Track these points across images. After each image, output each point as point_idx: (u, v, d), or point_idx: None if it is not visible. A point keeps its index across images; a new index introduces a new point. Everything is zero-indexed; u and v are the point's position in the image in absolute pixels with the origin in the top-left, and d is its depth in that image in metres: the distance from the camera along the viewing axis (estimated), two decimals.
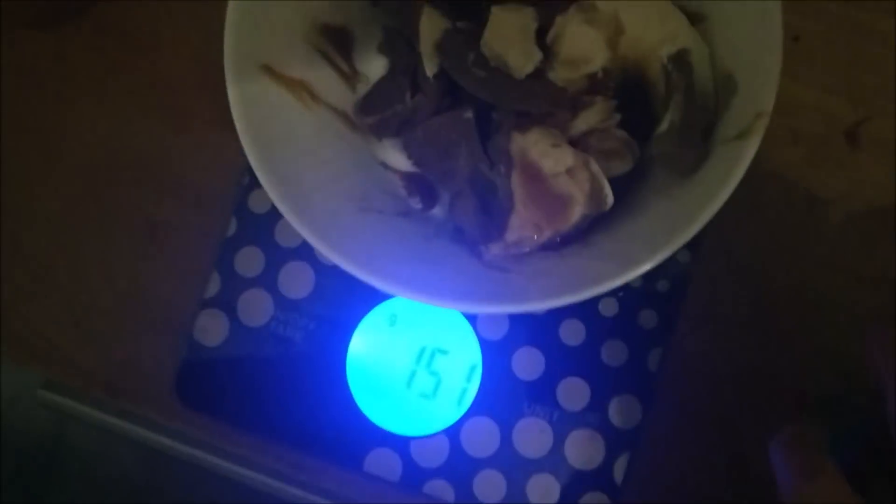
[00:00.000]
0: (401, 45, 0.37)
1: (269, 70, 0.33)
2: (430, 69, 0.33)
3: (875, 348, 0.29)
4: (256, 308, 0.39)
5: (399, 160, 0.37)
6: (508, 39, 0.32)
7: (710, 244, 0.38)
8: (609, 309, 0.38)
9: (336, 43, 0.36)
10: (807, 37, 0.40)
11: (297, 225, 0.31)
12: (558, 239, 0.33)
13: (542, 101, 0.32)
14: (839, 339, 0.38)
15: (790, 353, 0.38)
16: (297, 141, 0.34)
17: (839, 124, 0.40)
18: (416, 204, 0.37)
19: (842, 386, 0.38)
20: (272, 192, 0.31)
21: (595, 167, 0.32)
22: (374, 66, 0.38)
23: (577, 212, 0.32)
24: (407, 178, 0.37)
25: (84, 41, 0.43)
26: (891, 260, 0.38)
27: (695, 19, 0.33)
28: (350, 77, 0.37)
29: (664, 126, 0.31)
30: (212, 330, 0.39)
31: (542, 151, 0.32)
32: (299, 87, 0.34)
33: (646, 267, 0.29)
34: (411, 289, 0.30)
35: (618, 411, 0.37)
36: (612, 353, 0.38)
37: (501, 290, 0.31)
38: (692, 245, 0.30)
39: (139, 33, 0.43)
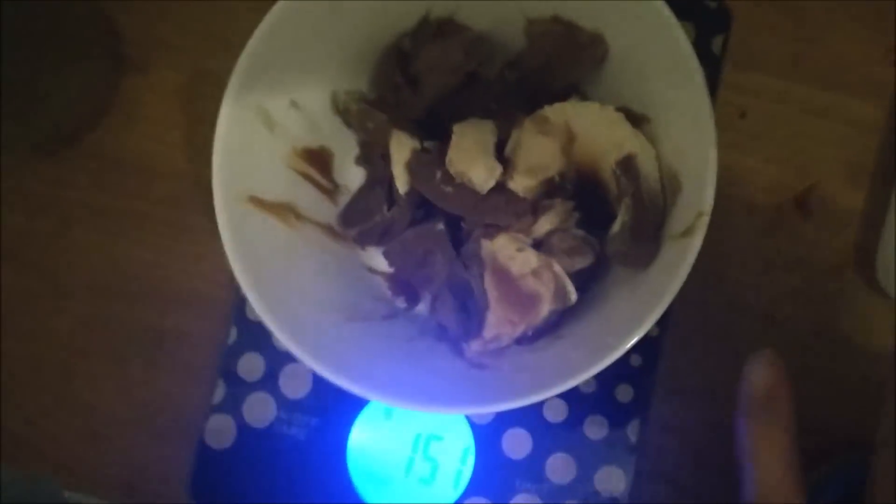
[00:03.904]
0: (376, 158, 0.40)
1: (255, 200, 0.36)
2: (402, 188, 0.36)
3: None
4: (261, 410, 0.42)
5: (383, 264, 0.40)
6: (470, 155, 0.35)
7: (677, 316, 0.41)
8: (588, 386, 0.40)
9: (316, 163, 0.39)
10: (753, 113, 0.43)
11: (284, 339, 0.34)
12: (531, 332, 0.36)
13: (504, 214, 0.34)
14: (811, 400, 0.40)
15: None
16: (285, 259, 0.37)
17: (789, 193, 0.42)
18: (401, 304, 0.40)
19: (817, 443, 0.40)
20: (261, 311, 0.34)
21: (557, 268, 0.34)
22: (354, 177, 0.41)
23: (545, 308, 0.35)
24: (391, 279, 0.40)
25: (81, 167, 0.46)
26: (853, 320, 0.41)
27: (640, 121, 0.36)
28: (331, 191, 0.40)
29: (616, 228, 0.34)
30: (221, 433, 0.42)
31: (509, 255, 0.35)
32: (284, 210, 0.37)
33: (615, 355, 0.32)
34: (396, 396, 0.33)
35: (604, 482, 0.40)
36: (594, 428, 0.40)
37: (483, 390, 0.34)
38: (660, 320, 0.32)
39: (133, 159, 0.45)
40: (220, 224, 0.34)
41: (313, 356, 0.33)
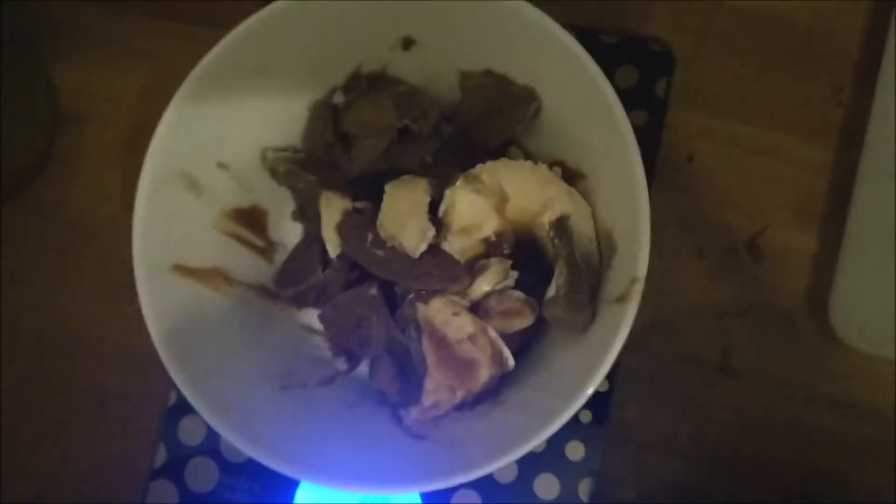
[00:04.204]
0: (312, 214, 0.39)
1: (180, 268, 0.35)
2: (332, 251, 0.35)
3: None
4: (202, 475, 0.41)
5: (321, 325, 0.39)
6: (402, 218, 0.34)
7: (628, 366, 0.40)
8: (537, 445, 0.39)
9: (248, 223, 0.38)
10: (700, 156, 0.42)
11: (209, 418, 0.32)
12: (471, 398, 0.35)
13: (437, 280, 0.33)
14: (765, 452, 0.39)
15: (717, 469, 0.39)
16: (214, 327, 0.36)
17: (740, 237, 0.41)
18: (341, 365, 0.39)
19: (772, 497, 0.39)
20: (183, 387, 0.33)
21: (493, 333, 0.33)
22: (292, 232, 0.40)
23: (483, 373, 0.34)
24: (331, 339, 0.39)
25: (20, 223, 0.45)
26: (806, 366, 0.40)
27: (576, 176, 0.35)
28: (266, 250, 0.39)
29: (551, 292, 0.33)
30: (163, 499, 0.41)
31: (444, 320, 0.34)
32: (213, 275, 0.36)
33: (560, 421, 0.31)
34: (333, 479, 0.32)
35: None
36: (545, 487, 0.39)
37: (427, 464, 0.33)
38: (608, 373, 0.31)
39: (73, 213, 0.44)
40: (140, 296, 0.33)
41: (238, 434, 0.32)
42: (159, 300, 0.34)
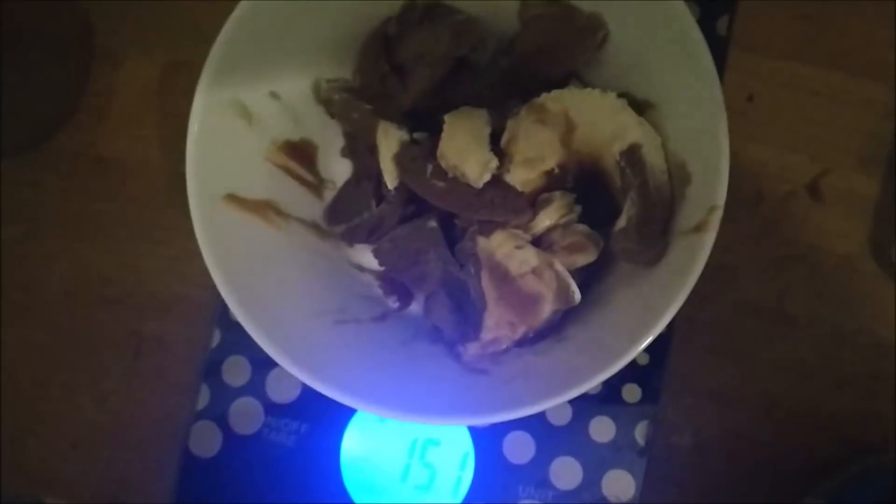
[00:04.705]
0: (362, 149, 0.38)
1: (233, 198, 0.34)
2: (390, 183, 0.34)
3: None
4: (247, 416, 0.40)
5: (373, 262, 0.38)
6: (463, 148, 0.33)
7: (688, 311, 0.39)
8: (593, 387, 0.38)
9: (298, 157, 0.37)
10: (760, 97, 0.41)
11: (265, 345, 0.31)
12: (532, 335, 0.34)
13: (500, 211, 0.32)
14: (827, 398, 0.38)
15: (776, 419, 0.38)
16: (266, 259, 0.35)
17: (800, 180, 0.40)
18: (393, 304, 0.38)
19: (837, 442, 0.38)
20: (240, 316, 0.32)
21: (559, 266, 0.32)
22: (340, 170, 0.39)
23: (546, 308, 0.33)
24: (382, 278, 0.38)
25: (52, 168, 0.43)
26: (868, 312, 0.39)
27: (644, 106, 0.34)
28: (316, 186, 0.38)
29: (622, 223, 0.32)
30: (206, 441, 0.40)
31: (507, 253, 0.33)
32: (265, 208, 0.35)
33: (623, 361, 0.30)
34: (387, 407, 0.31)
35: (611, 487, 0.38)
36: (600, 430, 0.38)
37: (483, 398, 0.32)
38: None
39: (105, 157, 0.43)
40: (195, 225, 0.32)
41: (298, 364, 0.31)
42: (213, 231, 0.33)
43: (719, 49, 0.39)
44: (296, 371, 0.31)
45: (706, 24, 0.39)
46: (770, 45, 0.40)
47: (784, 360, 0.39)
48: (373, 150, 0.36)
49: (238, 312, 0.31)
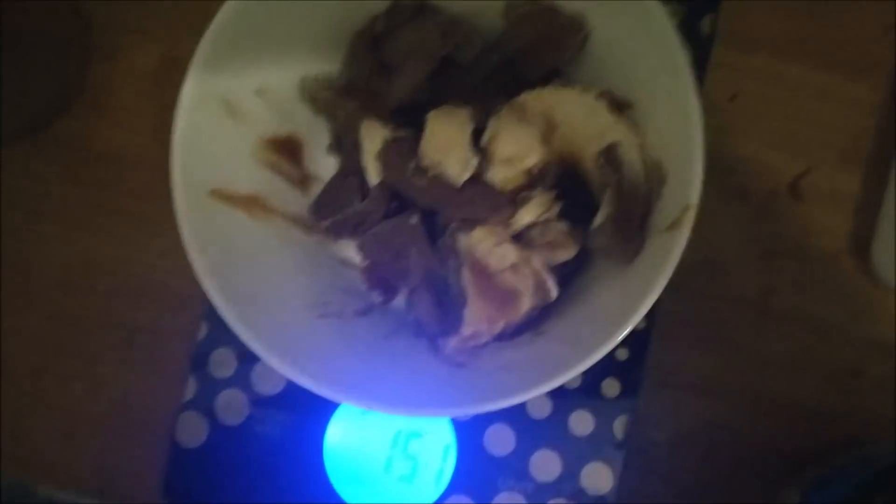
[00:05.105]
0: (348, 146, 0.38)
1: (218, 193, 0.34)
2: (373, 179, 0.35)
3: None
4: (233, 407, 0.41)
5: (357, 256, 0.38)
6: (445, 145, 0.33)
7: (666, 307, 0.39)
8: (573, 381, 0.39)
9: (285, 152, 0.37)
10: (744, 95, 0.41)
11: (247, 339, 0.32)
12: (511, 329, 0.34)
13: (481, 208, 0.33)
14: (808, 392, 0.39)
15: (756, 412, 0.39)
16: (251, 253, 0.35)
17: (784, 177, 0.41)
18: (377, 298, 0.38)
19: (813, 443, 0.39)
20: (223, 309, 0.32)
21: (537, 263, 0.33)
22: (327, 166, 0.39)
23: (525, 304, 0.33)
24: (366, 272, 0.38)
25: (50, 158, 0.44)
26: (850, 309, 0.39)
27: (623, 106, 0.34)
28: (302, 181, 0.38)
29: (599, 220, 0.32)
30: (193, 432, 0.41)
31: (487, 250, 0.33)
32: (251, 203, 0.36)
33: (600, 353, 0.31)
34: (368, 399, 0.31)
35: (590, 479, 0.39)
36: (579, 424, 0.39)
37: (463, 391, 0.32)
38: (647, 311, 0.31)
39: (102, 148, 0.44)
40: (178, 219, 0.33)
41: (280, 357, 0.32)
42: (197, 224, 0.33)
43: (703, 48, 0.40)
44: (277, 364, 0.31)
45: (690, 23, 0.39)
46: (754, 43, 0.41)
47: (765, 354, 0.40)
48: (358, 147, 0.36)
49: (219, 305, 0.32)
